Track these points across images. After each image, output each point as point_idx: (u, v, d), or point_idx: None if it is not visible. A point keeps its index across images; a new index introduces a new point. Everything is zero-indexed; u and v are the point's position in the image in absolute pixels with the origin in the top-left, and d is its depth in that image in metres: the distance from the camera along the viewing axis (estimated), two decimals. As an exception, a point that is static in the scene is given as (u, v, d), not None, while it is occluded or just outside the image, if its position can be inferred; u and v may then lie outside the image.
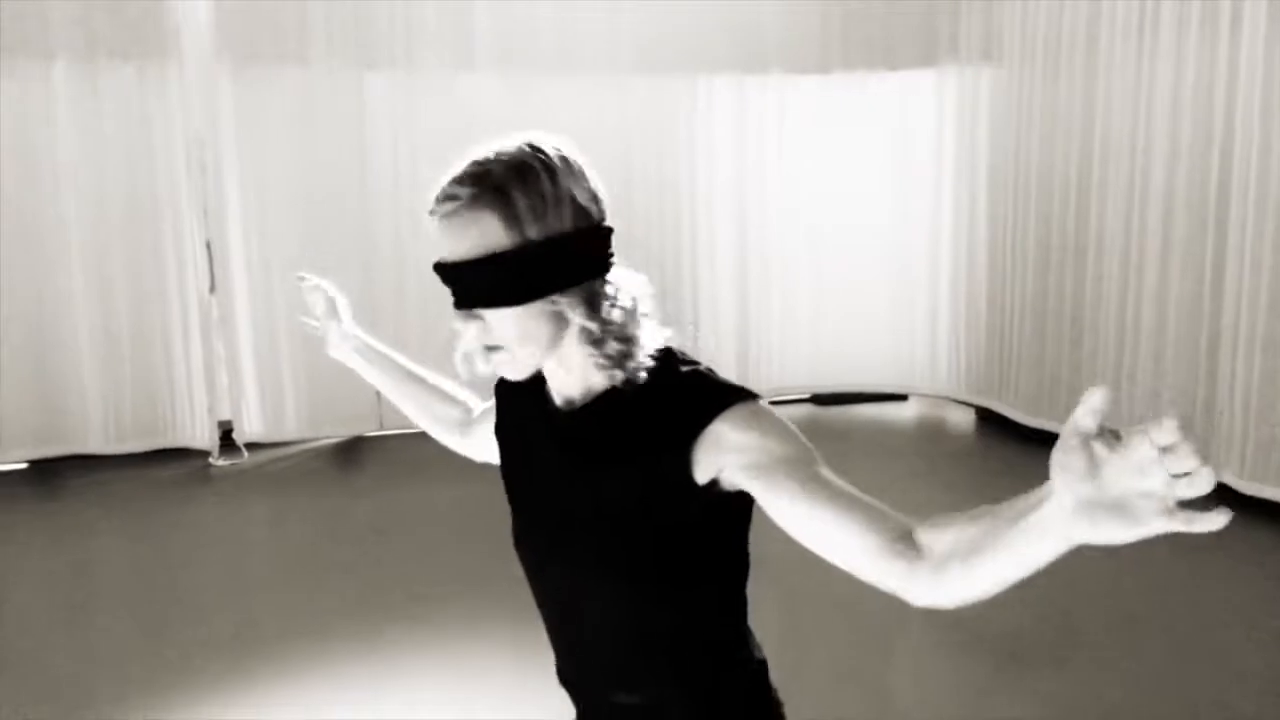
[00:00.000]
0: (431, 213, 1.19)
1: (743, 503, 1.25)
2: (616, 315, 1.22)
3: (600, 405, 1.27)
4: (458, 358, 1.28)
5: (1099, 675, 3.32)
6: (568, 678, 1.43)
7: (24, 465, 5.71)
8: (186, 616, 3.94)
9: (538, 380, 1.31)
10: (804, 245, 6.72)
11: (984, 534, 0.96)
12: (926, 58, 6.43)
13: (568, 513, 1.30)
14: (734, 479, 1.18)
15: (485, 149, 1.19)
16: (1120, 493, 0.81)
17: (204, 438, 5.85)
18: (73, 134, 5.52)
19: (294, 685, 3.38)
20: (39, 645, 3.70)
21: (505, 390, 1.42)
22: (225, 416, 5.95)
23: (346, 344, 1.72)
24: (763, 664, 1.39)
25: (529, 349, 1.22)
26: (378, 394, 5.32)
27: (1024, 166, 5.91)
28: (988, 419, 6.43)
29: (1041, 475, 0.86)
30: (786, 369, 6.83)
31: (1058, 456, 0.83)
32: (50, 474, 5.63)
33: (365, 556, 4.48)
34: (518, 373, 1.24)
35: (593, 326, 1.21)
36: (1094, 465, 0.82)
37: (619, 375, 1.23)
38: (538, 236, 1.17)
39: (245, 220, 5.85)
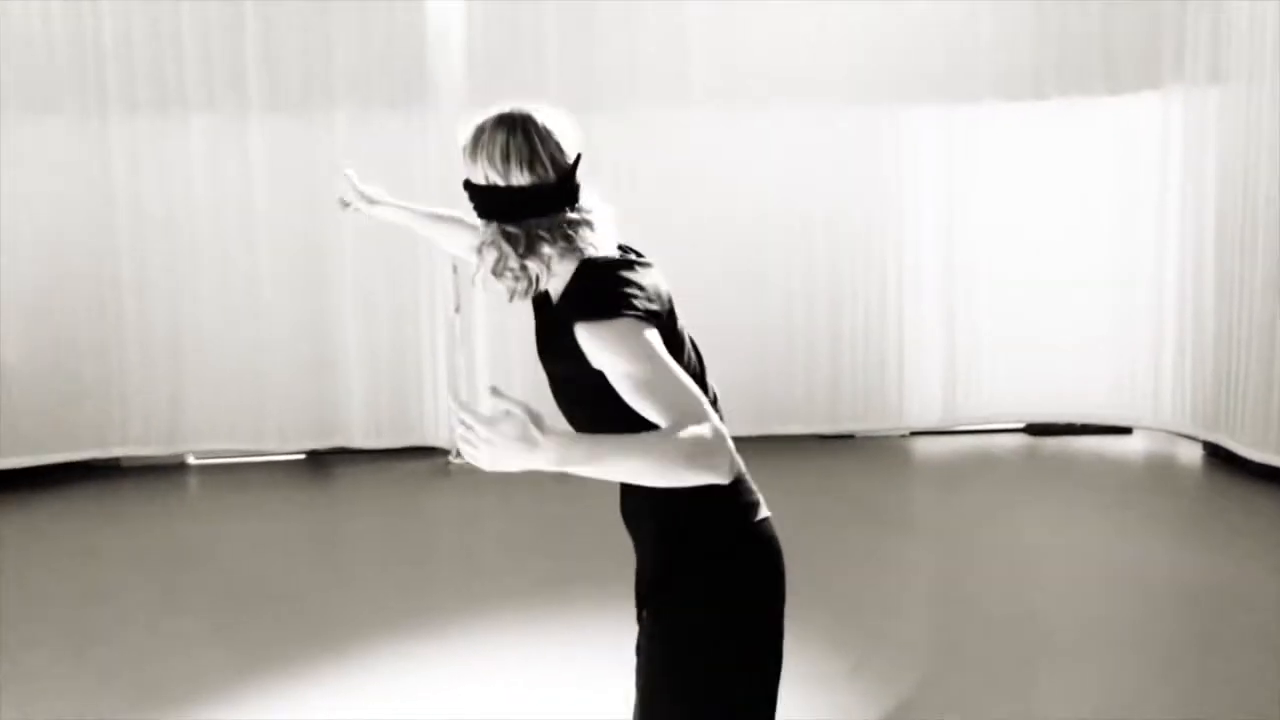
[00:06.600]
0: None
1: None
2: (513, 253, 1.75)
3: (559, 299, 1.80)
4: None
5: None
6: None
7: (303, 455, 6.70)
8: (421, 587, 4.65)
9: None
10: (1019, 271, 6.61)
11: None
12: (1149, 80, 6.23)
13: (548, 370, 1.85)
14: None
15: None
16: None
17: (445, 438, 6.60)
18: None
19: (509, 651, 3.94)
20: (291, 597, 4.54)
21: None
22: (464, 421, 6.69)
23: (363, 203, 2.42)
24: (753, 505, 1.76)
25: (499, 268, 1.76)
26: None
27: (1254, 191, 5.60)
28: (1215, 454, 6.09)
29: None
30: (997, 398, 6.74)
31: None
32: (322, 464, 6.59)
33: (580, 549, 4.97)
34: (500, 286, 1.78)
35: (491, 256, 1.76)
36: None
37: (520, 288, 1.77)
38: (483, 182, 1.76)
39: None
